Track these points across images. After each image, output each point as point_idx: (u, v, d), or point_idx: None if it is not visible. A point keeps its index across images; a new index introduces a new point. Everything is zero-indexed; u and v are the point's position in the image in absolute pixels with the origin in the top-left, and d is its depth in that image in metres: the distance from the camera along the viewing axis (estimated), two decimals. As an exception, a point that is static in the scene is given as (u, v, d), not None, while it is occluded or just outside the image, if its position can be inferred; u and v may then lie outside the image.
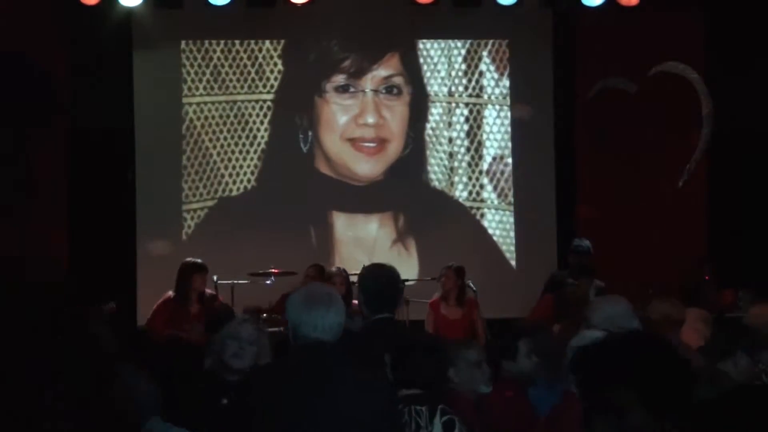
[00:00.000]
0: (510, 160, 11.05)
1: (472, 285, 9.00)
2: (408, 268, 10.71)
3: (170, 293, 8.31)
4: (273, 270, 9.52)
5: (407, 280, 9.76)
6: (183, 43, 10.78)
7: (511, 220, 11.01)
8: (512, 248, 11.02)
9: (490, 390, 4.67)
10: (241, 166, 10.81)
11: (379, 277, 5.15)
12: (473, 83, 11.04)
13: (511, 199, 11.02)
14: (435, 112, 11.01)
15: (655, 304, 5.76)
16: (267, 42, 10.86)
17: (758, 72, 10.31)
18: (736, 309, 8.31)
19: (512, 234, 11.01)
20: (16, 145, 10.14)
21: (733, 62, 10.47)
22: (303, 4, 10.09)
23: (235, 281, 9.33)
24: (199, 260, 8.51)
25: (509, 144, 11.06)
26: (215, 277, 9.08)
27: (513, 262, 11.01)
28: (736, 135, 10.54)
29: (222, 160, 10.77)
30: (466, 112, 11.02)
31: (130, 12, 10.20)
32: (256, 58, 10.86)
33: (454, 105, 11.02)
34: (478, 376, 4.66)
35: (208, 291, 8.51)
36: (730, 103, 10.49)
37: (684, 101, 10.78)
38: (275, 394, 3.63)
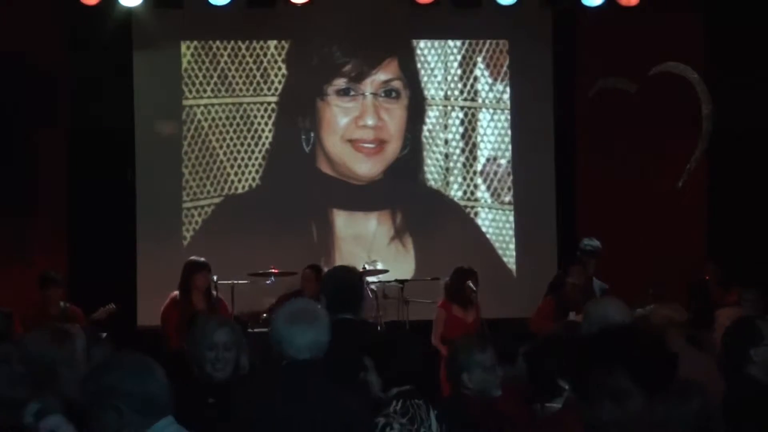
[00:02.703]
0: (503, 161, 11.06)
1: (471, 285, 8.97)
2: (405, 264, 10.76)
3: (174, 294, 8.29)
4: (273, 270, 9.53)
5: (405, 281, 9.81)
6: (183, 43, 10.78)
7: (503, 218, 11.04)
8: (504, 246, 11.03)
9: (500, 393, 4.63)
10: (245, 165, 10.80)
11: (339, 279, 5.16)
12: (470, 85, 11.05)
13: (504, 198, 11.04)
14: (432, 115, 11.04)
15: (657, 307, 5.79)
16: (270, 44, 10.86)
17: (758, 72, 10.31)
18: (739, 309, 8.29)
19: (505, 232, 11.03)
20: (16, 145, 10.13)
21: (733, 62, 10.47)
22: (303, 4, 10.08)
23: (235, 281, 9.32)
24: (200, 258, 8.50)
25: (508, 144, 11.07)
26: (215, 278, 9.06)
27: (505, 260, 11.01)
28: (736, 135, 10.53)
29: (228, 159, 10.77)
30: (461, 114, 11.05)
31: (130, 12, 10.18)
32: (260, 60, 10.86)
33: (450, 108, 11.04)
34: (492, 380, 4.62)
35: (215, 293, 8.46)
36: (730, 103, 10.48)
37: (684, 101, 10.79)
38: (251, 411, 3.65)
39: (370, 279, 9.42)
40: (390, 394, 4.09)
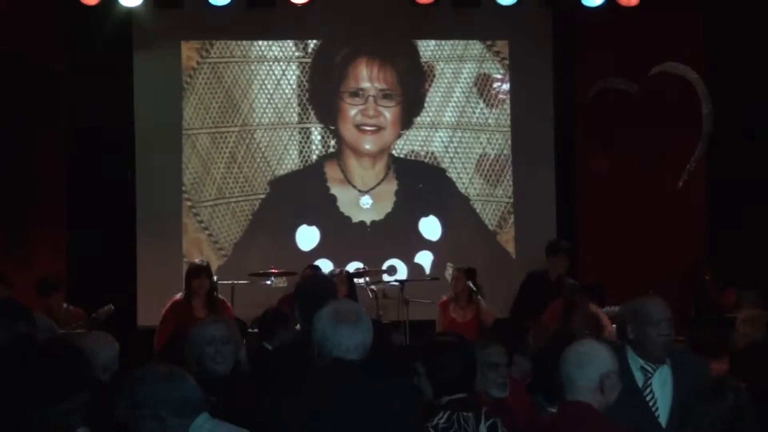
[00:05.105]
0: (502, 161, 11.07)
1: (471, 285, 8.97)
2: (405, 264, 10.75)
3: (176, 297, 8.29)
4: (273, 270, 9.54)
5: (406, 280, 9.81)
6: (183, 43, 10.78)
7: (502, 218, 11.03)
8: (502, 245, 11.03)
9: (505, 395, 4.57)
10: (240, 167, 10.81)
11: (310, 284, 5.13)
12: (469, 84, 11.05)
13: (503, 198, 11.04)
14: (431, 114, 11.02)
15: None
16: (270, 44, 10.87)
17: (758, 72, 10.30)
18: (738, 309, 8.29)
19: (503, 231, 11.03)
20: (15, 145, 10.13)
21: (733, 62, 10.47)
22: (303, 4, 10.09)
23: (235, 281, 9.32)
24: (198, 262, 8.47)
25: (507, 144, 11.07)
26: (215, 278, 9.07)
27: (504, 259, 11.00)
28: (736, 135, 10.52)
29: (223, 160, 10.78)
30: (459, 114, 11.04)
31: (130, 12, 10.19)
32: (260, 60, 10.88)
33: (448, 108, 11.04)
34: (492, 378, 4.57)
35: (219, 295, 8.43)
36: (730, 103, 10.48)
37: (684, 101, 10.78)
38: (296, 416, 3.55)
39: (369, 279, 9.44)
40: (441, 402, 4.03)
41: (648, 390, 4.39)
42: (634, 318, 4.48)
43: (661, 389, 4.40)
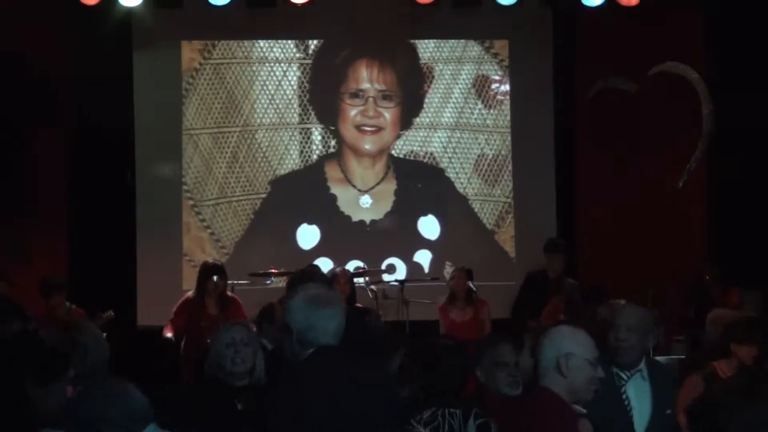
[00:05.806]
0: (502, 161, 11.07)
1: (471, 285, 9.00)
2: (405, 263, 10.75)
3: (189, 293, 8.32)
4: (273, 270, 9.55)
5: (407, 281, 9.82)
6: (183, 43, 10.78)
7: (502, 218, 11.04)
8: (502, 245, 11.04)
9: (518, 393, 4.58)
10: (242, 166, 10.82)
11: (303, 277, 5.13)
12: (469, 84, 11.06)
13: (503, 198, 11.05)
14: (430, 113, 11.03)
15: (599, 309, 6.11)
16: (270, 44, 10.88)
17: (758, 72, 10.30)
18: (740, 309, 8.30)
19: (503, 230, 11.03)
20: (16, 146, 10.13)
21: (733, 62, 10.46)
22: (303, 4, 10.09)
23: (236, 281, 9.32)
24: (214, 261, 8.51)
25: (507, 144, 11.08)
26: (215, 278, 9.07)
27: (504, 259, 11.01)
28: (736, 135, 10.52)
29: (225, 160, 10.79)
30: (459, 114, 11.04)
31: (130, 12, 10.19)
32: (260, 60, 10.88)
33: (448, 107, 11.04)
34: (501, 376, 4.59)
35: (230, 294, 8.46)
36: (730, 103, 10.47)
37: (684, 101, 10.78)
38: (297, 403, 3.49)
39: (368, 278, 9.44)
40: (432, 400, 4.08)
41: (623, 397, 4.39)
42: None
43: (637, 400, 4.40)
